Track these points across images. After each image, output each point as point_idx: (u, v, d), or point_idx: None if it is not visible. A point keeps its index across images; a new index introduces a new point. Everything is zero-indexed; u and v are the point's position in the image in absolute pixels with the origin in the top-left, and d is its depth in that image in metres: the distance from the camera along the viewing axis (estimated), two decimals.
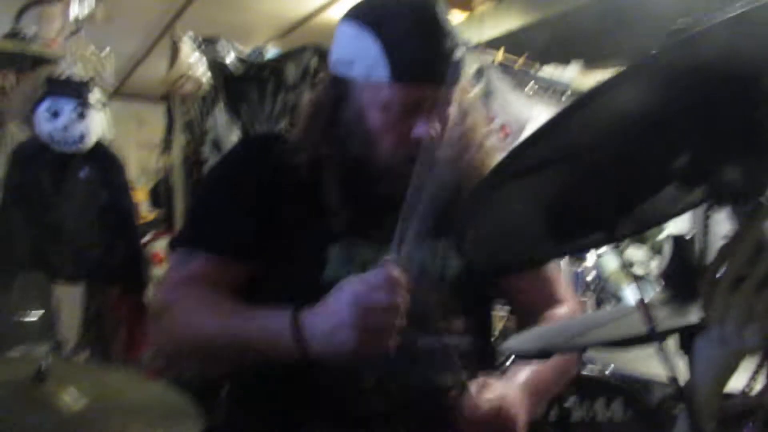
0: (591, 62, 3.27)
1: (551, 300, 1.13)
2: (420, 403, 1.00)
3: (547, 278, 1.15)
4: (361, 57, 0.98)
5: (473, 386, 0.95)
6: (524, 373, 1.02)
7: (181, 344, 1.02)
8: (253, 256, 1.04)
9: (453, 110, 1.03)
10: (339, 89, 1.03)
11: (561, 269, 1.23)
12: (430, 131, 0.98)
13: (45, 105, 2.23)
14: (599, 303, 2.65)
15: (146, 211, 3.11)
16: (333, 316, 0.88)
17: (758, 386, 0.60)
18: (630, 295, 2.60)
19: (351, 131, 1.02)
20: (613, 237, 0.58)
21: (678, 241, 0.60)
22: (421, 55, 0.96)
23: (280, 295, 1.03)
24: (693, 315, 0.55)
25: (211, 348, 0.99)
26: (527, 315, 1.14)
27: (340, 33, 1.03)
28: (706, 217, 0.54)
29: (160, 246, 2.69)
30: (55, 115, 2.22)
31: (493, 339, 1.18)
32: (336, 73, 1.03)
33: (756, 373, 0.58)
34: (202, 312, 0.98)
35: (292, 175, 1.03)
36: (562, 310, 1.12)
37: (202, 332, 0.97)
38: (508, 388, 0.97)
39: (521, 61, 3.09)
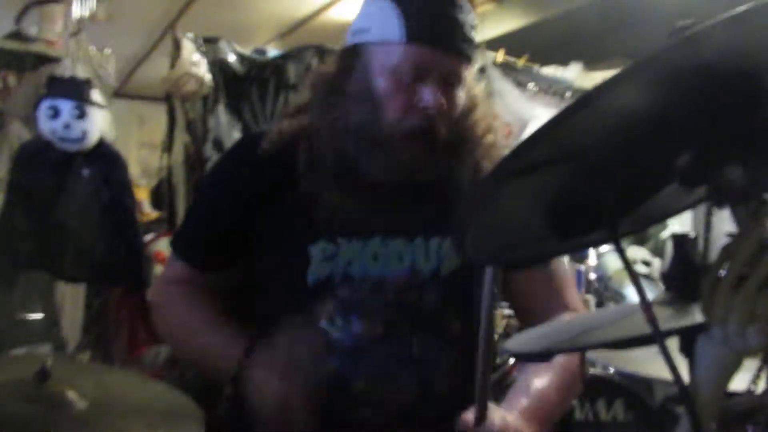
0: (592, 62, 3.27)
1: (556, 305, 1.08)
2: (410, 409, 0.97)
3: (553, 283, 1.10)
4: (377, 21, 0.99)
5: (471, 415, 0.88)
6: (526, 398, 0.96)
7: (167, 343, 1.12)
8: (226, 267, 1.08)
9: (462, 94, 1.02)
10: (349, 59, 1.03)
11: (569, 273, 1.18)
12: (437, 101, 0.96)
13: (45, 104, 2.24)
14: (601, 303, 2.64)
15: (148, 211, 3.11)
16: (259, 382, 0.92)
17: (760, 386, 0.60)
18: (632, 294, 2.60)
19: (357, 99, 1.01)
20: (615, 235, 0.58)
21: (680, 240, 0.60)
22: (437, 19, 0.97)
23: (268, 294, 1.06)
24: (695, 315, 0.55)
25: (183, 354, 1.10)
26: (530, 319, 1.09)
27: (362, 8, 1.04)
28: (708, 217, 0.54)
29: (162, 245, 2.69)
30: (55, 114, 2.23)
31: (494, 339, 1.16)
32: (350, 43, 1.03)
33: (758, 373, 0.58)
34: (177, 321, 1.07)
35: (277, 170, 1.02)
36: (566, 317, 1.06)
37: (176, 340, 1.09)
38: (509, 417, 0.90)
39: (522, 61, 3.09)
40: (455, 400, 0.95)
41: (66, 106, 2.23)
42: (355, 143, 1.00)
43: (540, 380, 0.98)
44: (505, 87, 2.92)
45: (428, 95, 0.96)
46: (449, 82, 0.99)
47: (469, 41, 0.99)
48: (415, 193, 1.02)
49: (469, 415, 0.84)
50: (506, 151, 1.04)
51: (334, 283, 1.00)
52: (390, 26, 0.97)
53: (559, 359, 0.99)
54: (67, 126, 2.23)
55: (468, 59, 1.00)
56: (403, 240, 1.01)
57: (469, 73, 1.03)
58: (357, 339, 0.98)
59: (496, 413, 0.87)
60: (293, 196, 1.01)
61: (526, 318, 1.14)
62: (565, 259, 2.67)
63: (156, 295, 1.14)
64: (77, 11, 2.49)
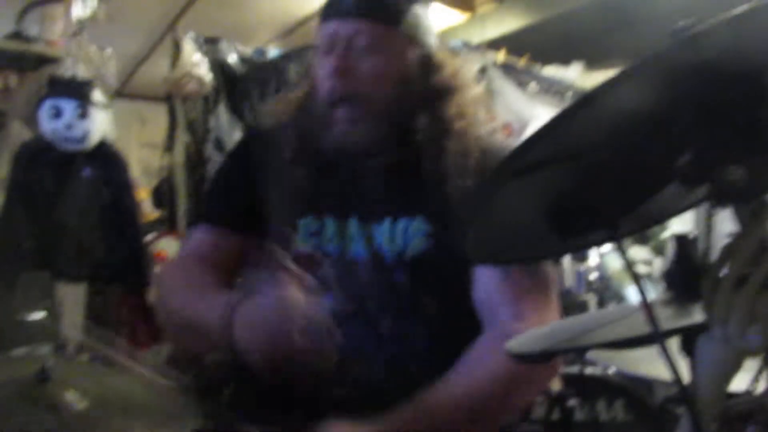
0: (593, 62, 3.27)
1: (497, 313, 0.97)
2: (382, 387, 0.97)
3: (506, 288, 0.97)
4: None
5: None
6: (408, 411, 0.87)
7: (163, 317, 1.11)
8: (242, 227, 1.12)
9: (388, 59, 1.02)
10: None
11: (544, 283, 1.01)
12: (337, 64, 0.99)
13: (47, 105, 2.24)
14: (602, 302, 2.65)
15: (149, 211, 3.11)
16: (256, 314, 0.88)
17: (761, 387, 0.60)
18: (633, 294, 2.60)
19: (311, 91, 1.08)
20: (615, 235, 0.58)
21: (681, 240, 0.60)
22: None
23: (258, 267, 1.07)
24: (696, 315, 0.55)
25: (176, 324, 1.06)
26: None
27: None
28: (709, 217, 0.54)
29: (162, 245, 2.69)
30: (57, 114, 2.23)
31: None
32: None
33: (759, 373, 0.58)
34: (177, 291, 1.07)
35: (271, 151, 1.07)
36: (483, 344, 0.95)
37: (171, 308, 1.06)
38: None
39: (523, 61, 3.10)
40: (428, 379, 0.93)
41: (68, 106, 2.23)
42: (314, 125, 1.05)
43: (442, 391, 0.90)
44: (505, 87, 2.93)
45: (330, 61, 1.00)
46: (361, 46, 1.00)
47: (380, 3, 1.01)
48: (386, 174, 1.04)
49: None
50: (482, 140, 1.06)
51: (314, 259, 1.03)
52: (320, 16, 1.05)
53: (489, 369, 0.91)
54: (69, 126, 2.23)
55: (377, 20, 1.00)
56: (375, 222, 1.03)
57: (397, 39, 1.02)
58: (330, 316, 0.98)
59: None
60: (288, 174, 1.06)
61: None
62: (566, 260, 2.68)
63: (163, 272, 1.22)
64: (78, 11, 2.50)
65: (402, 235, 1.02)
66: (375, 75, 1.01)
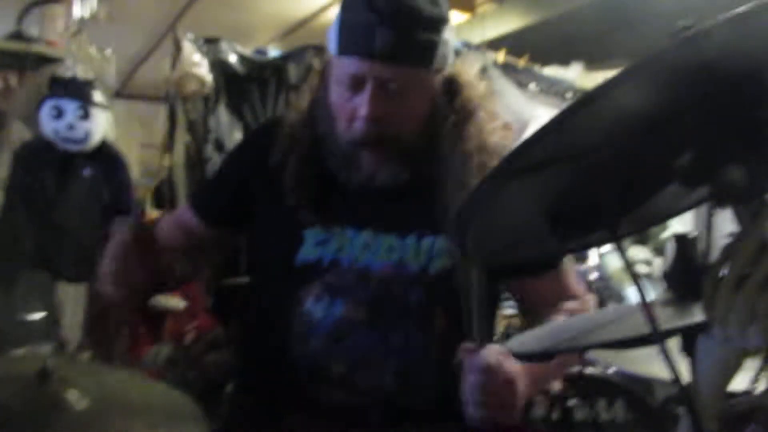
0: (593, 62, 3.27)
1: (561, 294, 1.09)
2: (389, 397, 0.99)
3: (560, 278, 1.10)
4: (330, 34, 1.01)
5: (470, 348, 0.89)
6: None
7: None
8: (218, 224, 1.19)
9: (420, 99, 0.99)
10: (324, 69, 1.07)
11: (569, 263, 1.18)
12: (372, 111, 0.95)
13: (49, 105, 2.24)
14: (602, 302, 2.64)
15: (149, 211, 3.11)
16: None
17: (761, 386, 0.60)
18: (633, 294, 2.60)
19: (321, 106, 1.05)
20: (616, 235, 0.58)
21: (681, 240, 0.60)
22: (364, 29, 0.93)
23: (261, 269, 1.13)
24: (696, 315, 0.55)
25: None
26: (536, 310, 1.10)
27: None
28: (709, 217, 0.54)
29: None
30: (59, 114, 2.23)
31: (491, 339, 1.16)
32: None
33: (759, 373, 0.58)
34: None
35: (279, 157, 1.06)
36: (572, 304, 1.07)
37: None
38: (507, 360, 0.91)
39: (523, 61, 3.09)
40: (435, 393, 0.98)
41: (70, 107, 2.23)
42: (326, 150, 1.04)
43: None
44: (505, 87, 2.92)
45: (362, 106, 0.96)
46: (394, 90, 0.95)
47: (413, 46, 0.94)
48: (411, 192, 1.03)
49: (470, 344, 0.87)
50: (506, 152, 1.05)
51: (322, 266, 1.02)
52: (332, 39, 0.99)
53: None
54: (71, 127, 2.23)
55: (411, 64, 0.96)
56: (395, 236, 1.03)
57: (429, 78, 0.99)
58: (339, 322, 0.99)
59: (493, 350, 0.88)
60: (291, 182, 1.05)
61: (534, 314, 1.13)
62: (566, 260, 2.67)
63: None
64: (78, 11, 2.50)
65: (427, 251, 1.02)
66: (408, 118, 0.99)
